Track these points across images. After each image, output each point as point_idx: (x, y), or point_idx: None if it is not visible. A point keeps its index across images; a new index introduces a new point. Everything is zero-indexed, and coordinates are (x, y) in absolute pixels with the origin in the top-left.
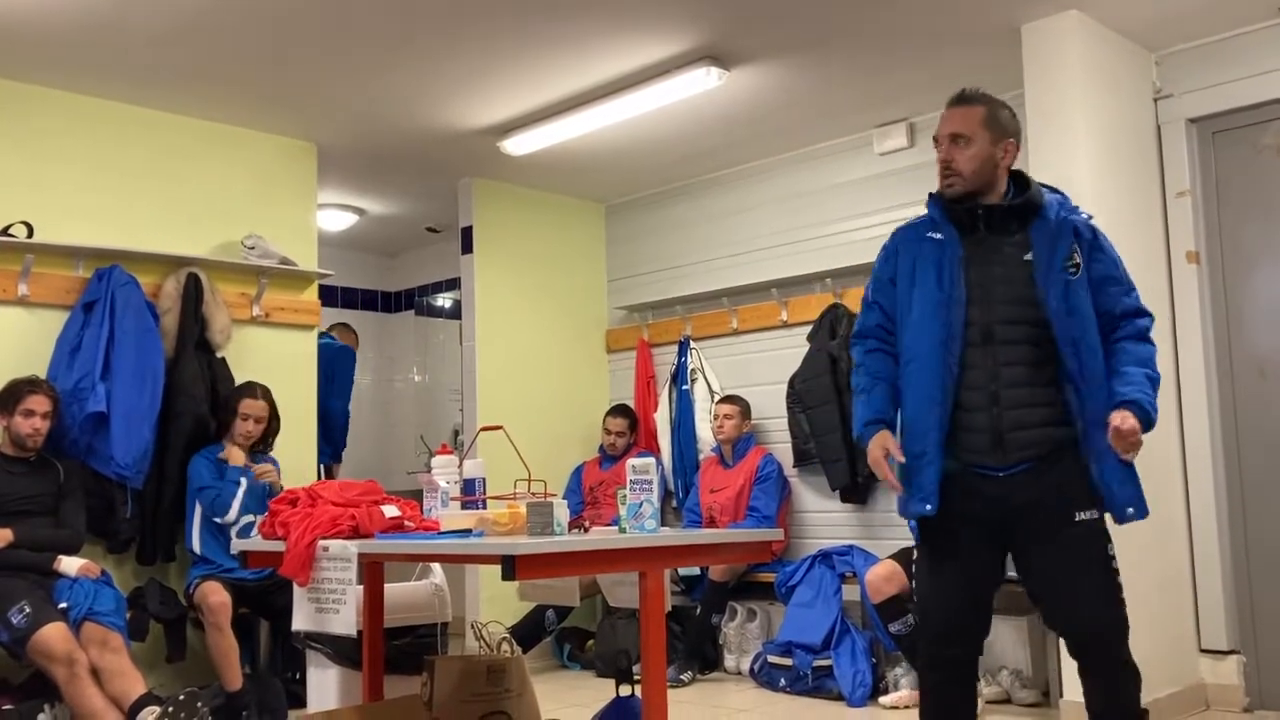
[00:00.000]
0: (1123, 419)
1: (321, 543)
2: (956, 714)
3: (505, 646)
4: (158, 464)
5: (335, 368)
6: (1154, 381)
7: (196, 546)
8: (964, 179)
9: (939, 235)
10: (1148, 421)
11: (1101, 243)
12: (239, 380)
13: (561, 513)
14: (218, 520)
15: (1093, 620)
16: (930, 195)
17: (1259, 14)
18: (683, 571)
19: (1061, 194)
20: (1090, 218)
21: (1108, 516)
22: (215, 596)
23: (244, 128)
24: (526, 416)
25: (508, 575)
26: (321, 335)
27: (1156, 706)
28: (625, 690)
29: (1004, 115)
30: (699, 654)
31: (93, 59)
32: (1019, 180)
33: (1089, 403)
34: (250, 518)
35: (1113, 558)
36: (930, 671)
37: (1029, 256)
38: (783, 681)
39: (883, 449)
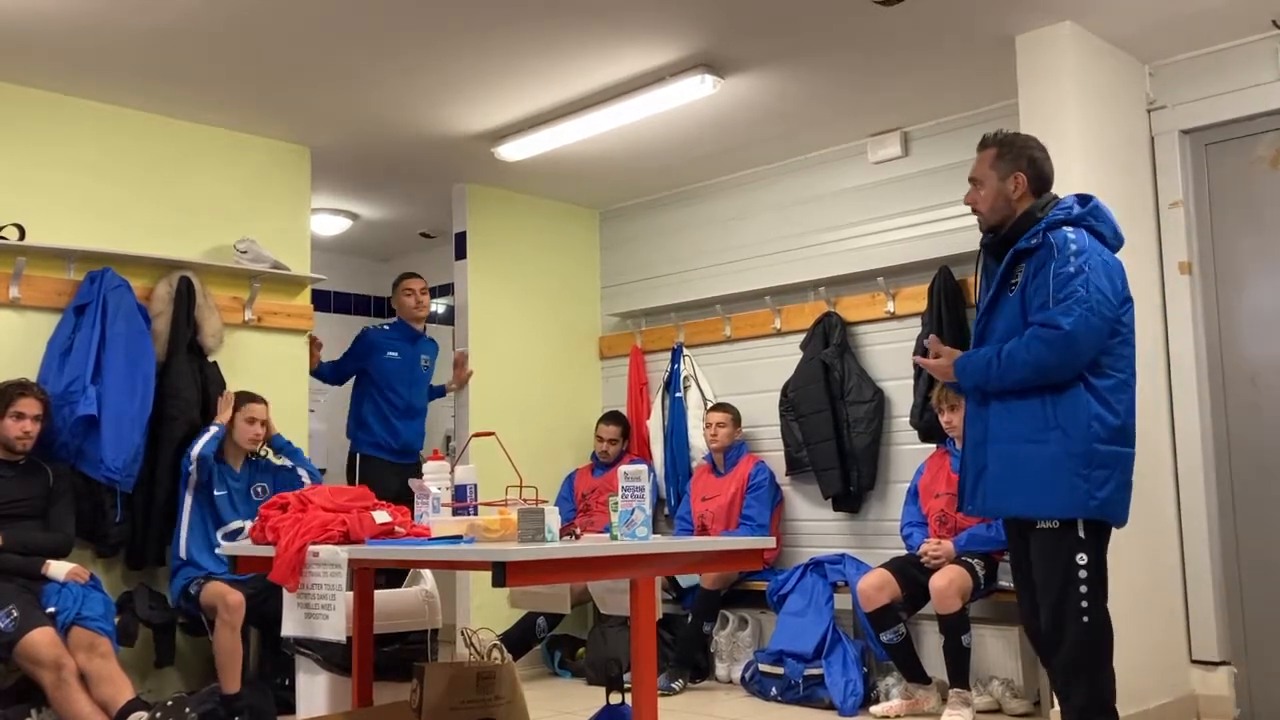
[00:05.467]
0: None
1: (311, 548)
2: None
3: (495, 653)
4: (148, 468)
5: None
6: (986, 361)
7: (184, 551)
8: (983, 215)
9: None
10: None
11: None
12: (230, 384)
13: (553, 519)
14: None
15: None
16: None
17: (1252, 27)
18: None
19: (1070, 209)
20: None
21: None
22: (233, 595)
23: (237, 131)
24: (519, 422)
25: (498, 581)
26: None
27: (1147, 717)
28: (616, 698)
29: (1010, 153)
30: (690, 662)
31: (87, 62)
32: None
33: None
34: (240, 523)
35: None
36: None
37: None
38: (774, 690)
39: None
